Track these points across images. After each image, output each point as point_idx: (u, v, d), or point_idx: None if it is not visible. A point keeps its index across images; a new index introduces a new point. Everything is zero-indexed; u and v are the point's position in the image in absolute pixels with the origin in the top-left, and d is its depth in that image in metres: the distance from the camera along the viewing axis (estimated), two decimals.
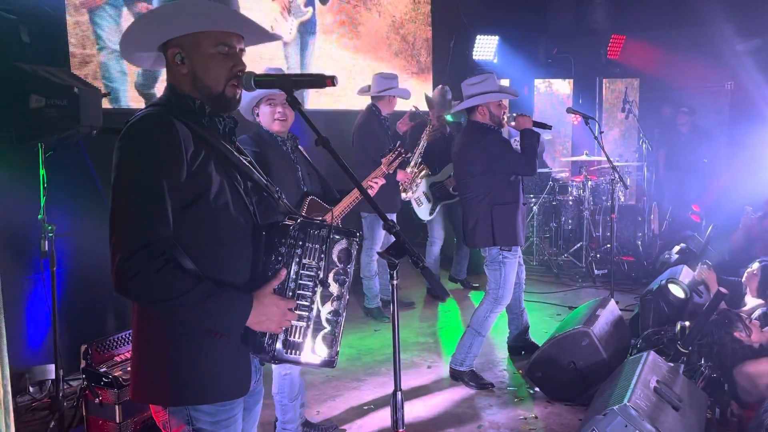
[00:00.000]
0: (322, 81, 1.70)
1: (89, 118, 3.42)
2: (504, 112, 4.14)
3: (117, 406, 2.95)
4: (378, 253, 1.66)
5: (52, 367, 3.67)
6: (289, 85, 1.72)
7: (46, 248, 3.50)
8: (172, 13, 1.66)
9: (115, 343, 3.24)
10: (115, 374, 2.99)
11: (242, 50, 1.76)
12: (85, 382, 3.09)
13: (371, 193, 3.20)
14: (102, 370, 3.04)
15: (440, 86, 6.00)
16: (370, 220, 5.32)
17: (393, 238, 1.67)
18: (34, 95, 3.33)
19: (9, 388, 3.18)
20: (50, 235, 3.49)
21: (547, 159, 7.61)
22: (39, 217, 3.49)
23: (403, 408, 1.72)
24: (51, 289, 3.54)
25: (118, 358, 3.15)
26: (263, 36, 1.82)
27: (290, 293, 1.73)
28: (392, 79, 5.35)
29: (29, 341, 3.94)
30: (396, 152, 3.34)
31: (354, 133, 5.32)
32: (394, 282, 1.70)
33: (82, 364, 3.11)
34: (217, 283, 1.64)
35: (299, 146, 3.16)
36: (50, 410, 3.60)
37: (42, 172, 3.49)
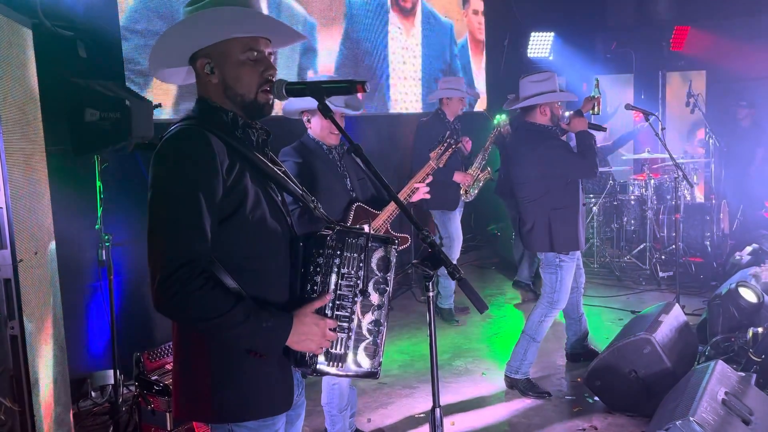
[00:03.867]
0: (353, 87, 1.66)
1: (141, 129, 3.48)
2: (561, 112, 4.01)
3: (168, 414, 2.98)
4: (412, 263, 1.59)
5: (112, 372, 3.77)
6: (321, 92, 1.68)
7: (104, 257, 3.60)
8: (196, 23, 1.64)
9: (166, 351, 3.29)
10: (166, 382, 3.03)
11: (272, 54, 1.73)
12: (137, 390, 3.14)
13: (417, 196, 3.10)
14: (153, 378, 3.08)
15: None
16: (439, 217, 5.28)
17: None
18: (89, 109, 3.41)
19: (69, 393, 3.28)
20: (107, 244, 3.59)
21: (610, 158, 7.36)
22: (96, 227, 3.59)
23: (442, 425, 1.64)
24: (109, 297, 3.64)
25: (169, 366, 3.19)
26: (291, 37, 1.78)
27: (330, 305, 1.69)
28: (452, 82, 5.37)
29: (90, 347, 4.06)
30: (445, 144, 3.16)
31: (414, 134, 5.37)
32: (430, 294, 1.64)
33: (135, 371, 3.17)
34: (257, 302, 1.62)
35: (349, 153, 3.10)
36: (110, 415, 3.70)
37: (98, 183, 3.59)
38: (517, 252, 6.26)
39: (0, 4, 2.72)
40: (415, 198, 3.04)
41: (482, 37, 7.75)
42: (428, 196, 3.11)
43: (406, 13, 6.66)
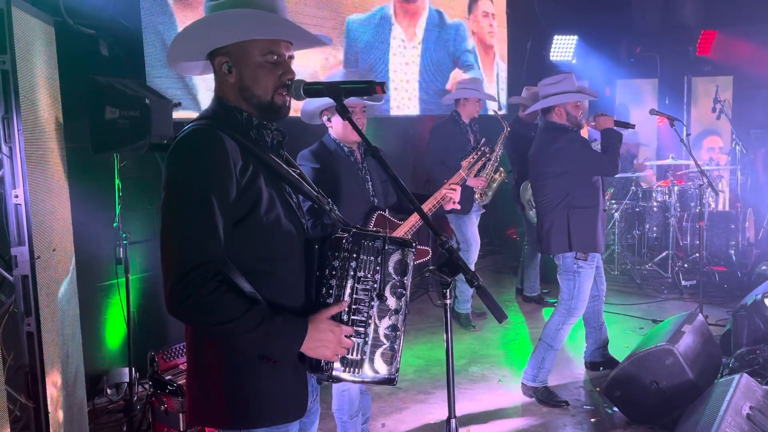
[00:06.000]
0: (372, 88, 1.62)
1: (160, 128, 3.48)
2: (582, 113, 3.95)
3: (181, 415, 2.97)
4: (429, 269, 1.55)
5: (128, 370, 3.77)
6: (339, 93, 1.65)
7: (121, 255, 3.60)
8: (219, 22, 1.63)
9: (180, 351, 3.28)
10: (180, 382, 3.01)
11: (291, 57, 1.71)
12: (151, 389, 3.14)
13: (448, 206, 2.97)
14: (167, 378, 3.07)
15: (530, 87, 5.92)
16: (455, 221, 5.23)
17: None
18: (109, 107, 3.42)
19: (84, 390, 3.29)
20: (125, 242, 3.59)
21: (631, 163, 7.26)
22: (114, 225, 3.60)
23: None
24: (126, 295, 3.65)
25: (182, 366, 3.18)
26: (312, 42, 1.76)
27: (346, 310, 1.66)
28: (469, 83, 5.32)
29: (107, 345, 4.08)
30: (479, 152, 3.04)
31: (429, 135, 5.33)
32: (447, 301, 1.59)
33: (149, 370, 3.17)
34: (271, 306, 1.58)
35: (368, 156, 3.00)
36: (124, 413, 3.70)
37: (117, 181, 3.60)
38: (527, 261, 6.01)
39: (23, 1, 2.73)
40: (447, 207, 2.93)
41: (493, 41, 7.55)
42: (458, 207, 3.01)
43: (411, 15, 6.37)
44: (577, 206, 3.83)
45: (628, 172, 7.01)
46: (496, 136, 5.40)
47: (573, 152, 3.80)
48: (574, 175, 3.82)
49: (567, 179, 3.83)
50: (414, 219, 2.91)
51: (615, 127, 3.94)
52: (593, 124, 4.00)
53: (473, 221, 5.26)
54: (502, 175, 5.40)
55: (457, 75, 6.80)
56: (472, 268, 5.24)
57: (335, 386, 3.03)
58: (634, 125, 4.28)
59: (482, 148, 3.07)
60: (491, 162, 5.29)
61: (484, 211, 5.41)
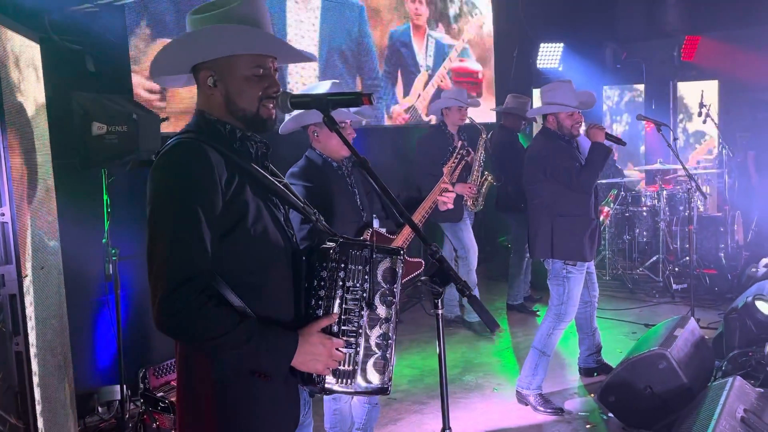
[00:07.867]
0: (359, 99, 1.62)
1: (148, 143, 3.47)
2: (576, 123, 3.94)
3: None
4: (421, 280, 1.55)
5: (119, 388, 3.73)
6: (326, 105, 1.64)
7: (111, 271, 3.57)
8: (206, 37, 1.62)
9: (172, 367, 3.25)
10: (172, 399, 2.99)
11: (275, 70, 1.71)
12: (143, 407, 3.10)
13: (444, 207, 2.94)
14: (159, 395, 3.04)
15: (517, 95, 6.00)
16: (449, 229, 5.23)
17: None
18: (96, 123, 3.40)
19: (75, 409, 3.25)
20: (114, 258, 3.56)
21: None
22: (103, 241, 3.57)
23: None
24: (115, 312, 3.61)
25: (174, 383, 3.14)
26: (297, 57, 1.76)
27: (336, 321, 1.64)
28: (451, 93, 5.34)
29: (98, 362, 4.03)
30: (458, 155, 3.04)
31: (416, 146, 5.39)
32: (439, 312, 1.59)
33: (141, 387, 3.13)
34: (261, 321, 1.57)
35: (356, 167, 2.95)
36: (116, 431, 3.66)
37: (105, 197, 3.57)
38: (511, 269, 5.96)
39: (8, 18, 2.72)
40: (441, 208, 2.91)
41: (421, 22, 7.48)
42: (452, 206, 3.00)
43: None
44: (564, 214, 3.85)
45: (617, 177, 7.04)
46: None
47: (552, 162, 3.83)
48: (556, 182, 3.84)
49: (552, 186, 3.86)
50: (407, 232, 2.88)
51: (606, 141, 3.93)
52: (586, 133, 4.01)
53: (468, 227, 5.26)
54: (489, 178, 5.41)
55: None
56: (474, 273, 5.24)
57: (326, 405, 3.00)
58: (625, 143, 4.29)
59: (461, 152, 3.07)
60: (475, 168, 5.28)
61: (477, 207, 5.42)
